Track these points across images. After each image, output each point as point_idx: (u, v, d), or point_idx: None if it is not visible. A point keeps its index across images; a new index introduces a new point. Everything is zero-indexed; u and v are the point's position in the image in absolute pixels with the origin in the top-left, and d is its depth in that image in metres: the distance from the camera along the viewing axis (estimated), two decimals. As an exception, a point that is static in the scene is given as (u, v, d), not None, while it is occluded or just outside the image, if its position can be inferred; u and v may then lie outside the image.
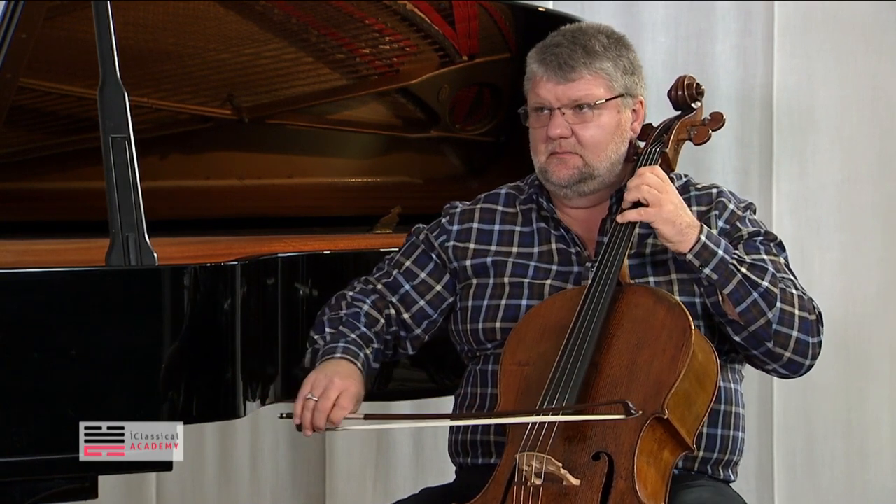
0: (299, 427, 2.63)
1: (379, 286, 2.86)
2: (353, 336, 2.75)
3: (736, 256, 2.64)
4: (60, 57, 3.10)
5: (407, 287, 2.85)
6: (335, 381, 2.62)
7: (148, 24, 3.19)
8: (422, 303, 2.85)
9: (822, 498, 4.13)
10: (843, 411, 4.12)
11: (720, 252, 2.62)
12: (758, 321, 2.62)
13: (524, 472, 2.46)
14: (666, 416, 2.48)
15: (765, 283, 2.63)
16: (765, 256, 2.71)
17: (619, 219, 2.64)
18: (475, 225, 2.88)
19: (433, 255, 2.87)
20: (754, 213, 2.82)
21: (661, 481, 2.50)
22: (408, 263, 2.87)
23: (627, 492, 2.43)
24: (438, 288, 2.86)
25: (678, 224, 2.62)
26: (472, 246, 2.85)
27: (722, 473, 2.74)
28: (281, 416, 2.68)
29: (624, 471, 2.45)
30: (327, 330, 2.77)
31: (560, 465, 2.44)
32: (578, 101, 2.73)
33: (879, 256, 4.09)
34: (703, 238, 2.62)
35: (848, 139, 4.09)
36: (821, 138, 4.11)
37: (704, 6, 4.13)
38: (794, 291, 2.66)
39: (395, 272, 2.87)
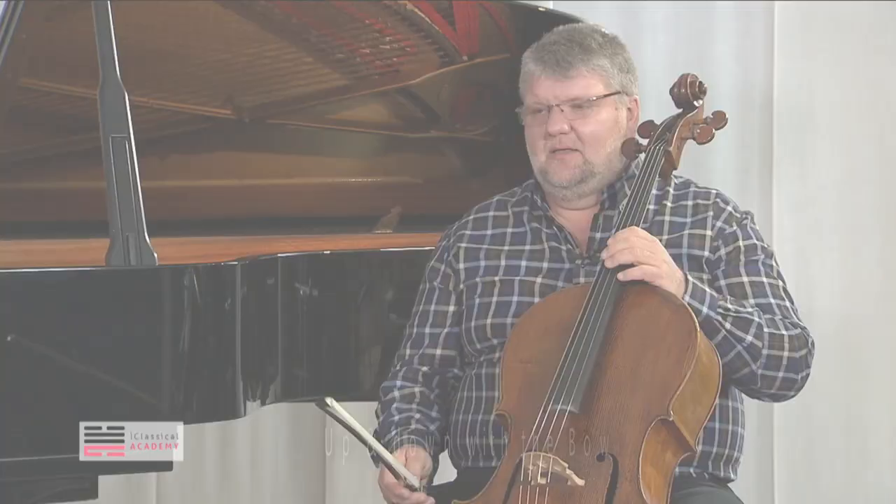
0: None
1: (407, 353, 2.85)
2: (410, 429, 2.74)
3: (720, 310, 2.63)
4: (60, 57, 3.10)
5: (426, 331, 2.85)
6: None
7: (148, 24, 3.18)
8: (446, 330, 2.84)
9: (822, 498, 4.12)
10: (843, 411, 4.11)
11: (705, 309, 2.62)
12: (741, 371, 2.65)
13: (529, 472, 2.46)
14: (671, 419, 2.48)
15: (749, 338, 2.64)
16: (765, 280, 2.72)
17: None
18: (468, 231, 2.88)
19: (442, 286, 2.86)
20: (753, 221, 2.82)
21: (664, 483, 2.50)
22: (425, 307, 2.87)
23: (633, 493, 2.43)
24: (452, 308, 2.85)
25: (677, 277, 2.62)
26: (463, 246, 2.86)
27: (722, 471, 2.73)
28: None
29: (629, 472, 2.45)
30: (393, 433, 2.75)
31: (566, 465, 2.44)
32: (577, 98, 2.75)
33: (879, 256, 4.08)
34: (687, 297, 2.61)
35: (848, 139, 4.09)
36: (821, 138, 4.10)
37: (704, 6, 4.12)
38: (784, 332, 2.67)
39: (416, 329, 2.86)
